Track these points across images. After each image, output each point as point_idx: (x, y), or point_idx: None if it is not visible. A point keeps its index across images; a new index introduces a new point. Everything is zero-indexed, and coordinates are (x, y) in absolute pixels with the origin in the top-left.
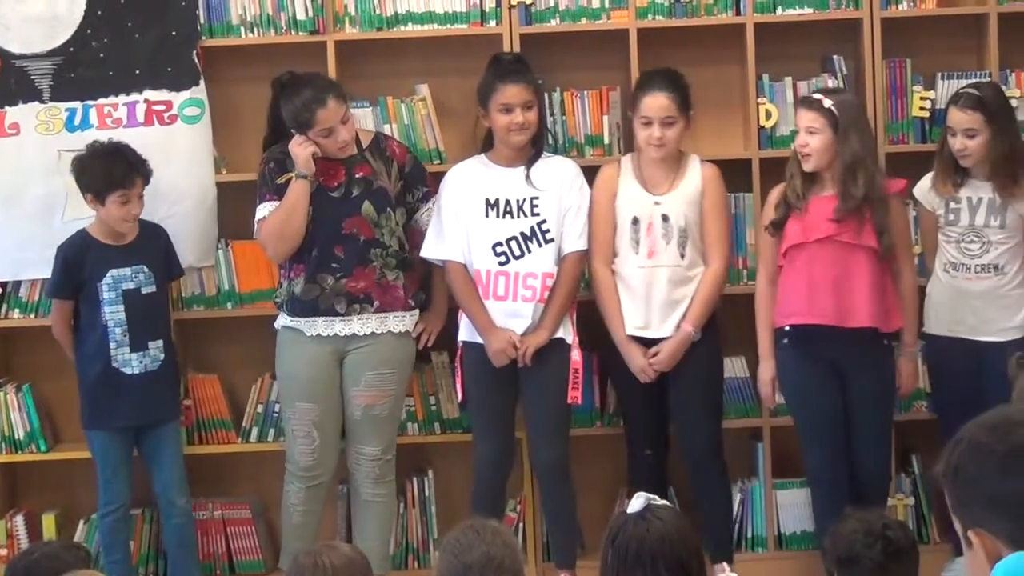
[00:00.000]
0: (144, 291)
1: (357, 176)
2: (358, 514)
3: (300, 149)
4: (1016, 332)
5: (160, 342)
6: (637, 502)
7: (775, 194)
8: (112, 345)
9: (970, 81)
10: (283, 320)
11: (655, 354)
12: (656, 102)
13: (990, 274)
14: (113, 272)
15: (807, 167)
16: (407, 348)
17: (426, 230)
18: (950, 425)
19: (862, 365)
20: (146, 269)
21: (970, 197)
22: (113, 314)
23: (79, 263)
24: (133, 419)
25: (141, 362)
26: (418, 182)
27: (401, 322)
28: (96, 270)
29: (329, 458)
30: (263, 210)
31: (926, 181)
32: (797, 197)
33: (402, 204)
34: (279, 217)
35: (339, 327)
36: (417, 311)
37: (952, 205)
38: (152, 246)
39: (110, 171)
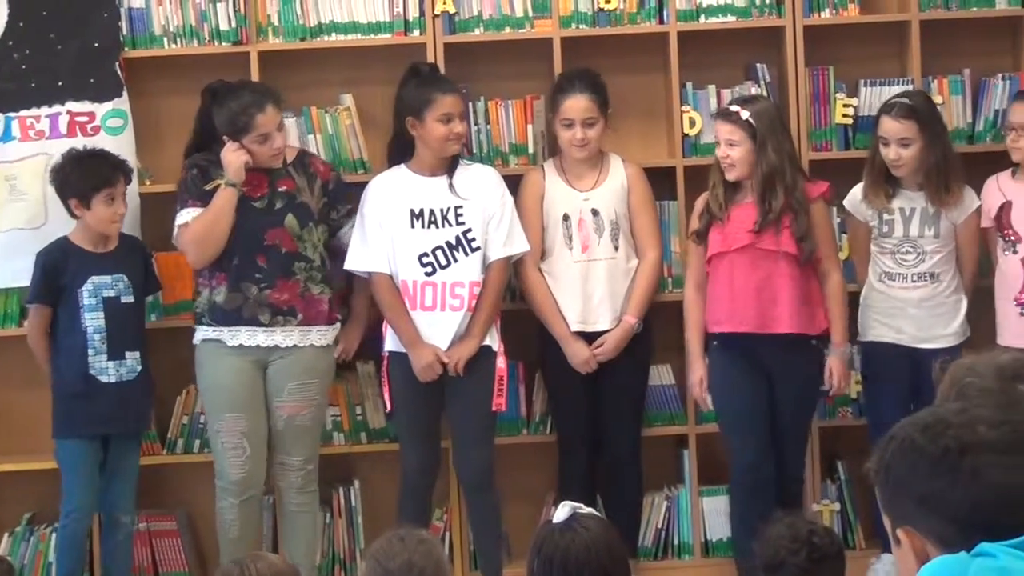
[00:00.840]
0: (123, 300)
1: (280, 189)
2: (284, 525)
3: (234, 157)
4: (953, 339)
5: (137, 353)
6: (563, 511)
7: (700, 203)
8: (91, 352)
9: (896, 89)
10: (203, 332)
11: (599, 346)
12: (578, 104)
13: (926, 283)
14: (94, 279)
15: (730, 177)
16: (329, 359)
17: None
18: (883, 432)
19: (788, 366)
20: (126, 279)
21: (903, 208)
22: (93, 320)
23: (59, 269)
24: (105, 427)
25: (117, 371)
26: (341, 200)
27: (323, 336)
28: (77, 276)
29: (259, 469)
30: (186, 215)
31: (857, 192)
32: (720, 207)
33: (324, 221)
34: (205, 222)
35: (261, 338)
36: (339, 324)
37: (886, 216)
38: (132, 257)
39: (94, 172)
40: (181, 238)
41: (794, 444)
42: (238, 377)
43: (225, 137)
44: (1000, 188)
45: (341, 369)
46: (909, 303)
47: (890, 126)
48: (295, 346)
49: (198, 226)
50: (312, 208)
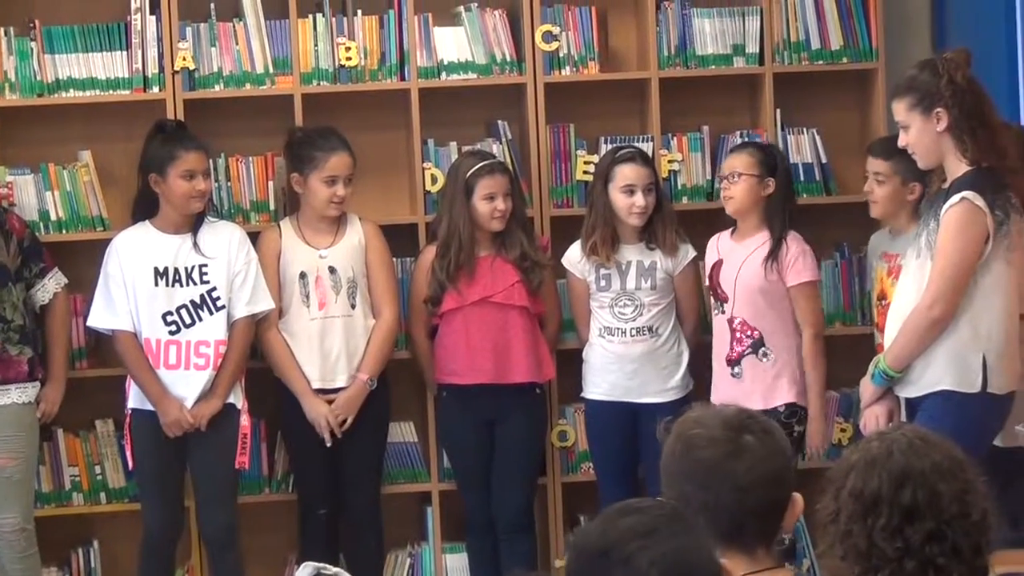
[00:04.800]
0: None
1: None
2: None
3: None
4: (674, 393)
5: None
6: (305, 571)
7: (425, 265)
8: None
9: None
10: None
11: (331, 402)
12: (343, 161)
13: (645, 336)
14: None
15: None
16: (33, 416)
17: (42, 306)
18: (608, 489)
19: (514, 411)
20: None
21: (620, 262)
22: None
23: None
24: None
25: None
26: (36, 257)
27: (24, 393)
28: None
29: None
30: None
31: (575, 250)
32: (449, 273)
33: (21, 279)
34: None
35: None
36: (39, 383)
37: (603, 271)
38: None
39: None
40: None
41: (519, 491)
42: None
43: None
44: (717, 247)
45: (79, 428)
46: (628, 358)
47: (638, 172)
48: None
49: None
50: (9, 267)
